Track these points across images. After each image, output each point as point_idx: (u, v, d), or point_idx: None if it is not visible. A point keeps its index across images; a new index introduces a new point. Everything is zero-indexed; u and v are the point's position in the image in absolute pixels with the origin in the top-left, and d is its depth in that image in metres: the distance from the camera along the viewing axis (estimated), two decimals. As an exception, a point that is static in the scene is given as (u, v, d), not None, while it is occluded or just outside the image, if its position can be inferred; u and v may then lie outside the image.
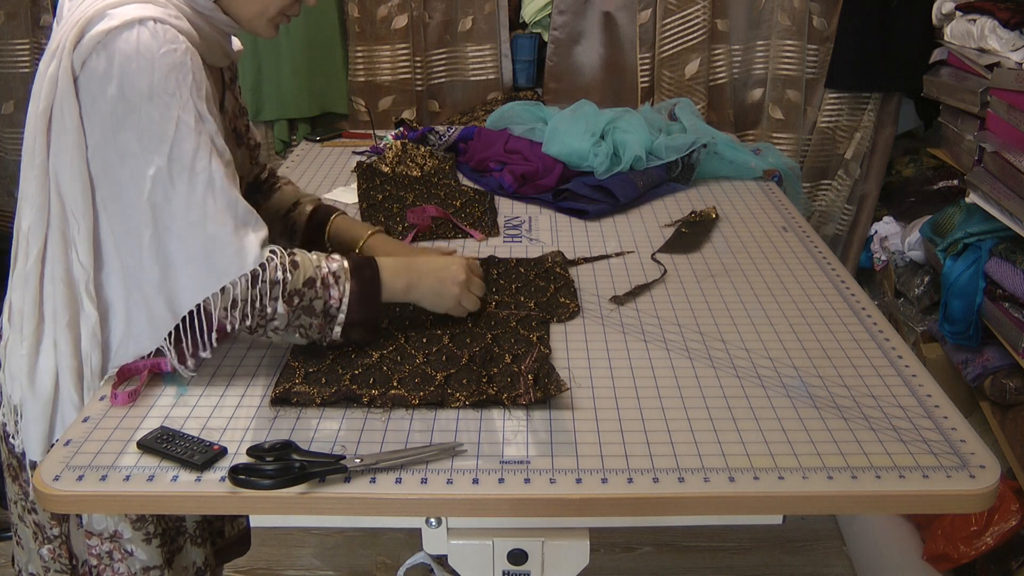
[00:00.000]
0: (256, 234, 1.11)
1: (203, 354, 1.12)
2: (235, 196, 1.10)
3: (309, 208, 1.50)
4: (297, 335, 1.14)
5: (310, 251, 1.17)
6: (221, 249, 1.08)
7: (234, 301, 1.09)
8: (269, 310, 1.11)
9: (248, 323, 1.11)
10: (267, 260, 1.10)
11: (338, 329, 1.15)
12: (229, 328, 1.11)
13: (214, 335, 1.11)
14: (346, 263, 1.16)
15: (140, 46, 1.04)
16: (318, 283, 1.13)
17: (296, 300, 1.12)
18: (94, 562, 1.24)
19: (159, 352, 1.14)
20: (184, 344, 1.12)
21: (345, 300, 1.15)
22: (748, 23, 2.74)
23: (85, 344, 1.14)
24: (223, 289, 1.08)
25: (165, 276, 1.09)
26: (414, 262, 1.25)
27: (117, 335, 1.15)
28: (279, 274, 1.10)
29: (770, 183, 2.00)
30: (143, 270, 1.09)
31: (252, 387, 1.15)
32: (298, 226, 1.49)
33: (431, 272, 1.24)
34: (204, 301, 1.09)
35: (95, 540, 1.22)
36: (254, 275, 1.09)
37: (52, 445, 1.16)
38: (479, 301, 1.28)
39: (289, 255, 1.13)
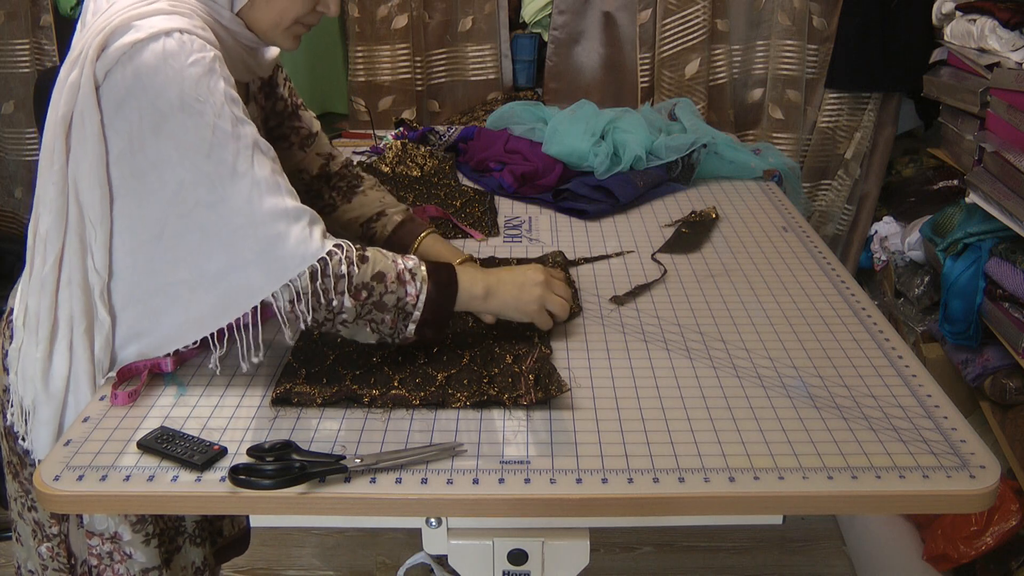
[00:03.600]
0: (313, 228, 1.10)
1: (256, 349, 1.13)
2: (282, 195, 1.09)
3: (397, 219, 1.46)
4: (368, 329, 1.13)
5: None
6: (275, 248, 1.07)
7: (297, 295, 1.09)
8: (335, 303, 1.10)
9: (315, 316, 1.11)
10: (329, 254, 1.09)
11: (412, 327, 1.14)
12: (302, 325, 1.11)
13: (287, 330, 1.11)
14: (422, 263, 1.16)
15: (167, 56, 1.04)
16: (389, 278, 1.12)
17: (364, 294, 1.11)
18: (94, 562, 1.24)
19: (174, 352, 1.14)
20: (240, 342, 1.12)
21: (422, 298, 1.13)
22: (748, 23, 2.74)
23: (99, 350, 1.15)
24: (285, 285, 1.08)
25: (217, 279, 1.08)
26: (493, 270, 1.23)
27: (121, 341, 1.15)
28: (343, 268, 1.09)
29: (770, 183, 2.00)
30: (188, 274, 1.09)
31: (252, 387, 1.15)
32: (378, 239, 1.46)
33: (509, 279, 1.22)
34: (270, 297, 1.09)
35: (96, 540, 1.22)
36: (312, 271, 1.08)
37: (60, 446, 1.17)
38: (565, 304, 1.24)
39: (358, 250, 1.12)
